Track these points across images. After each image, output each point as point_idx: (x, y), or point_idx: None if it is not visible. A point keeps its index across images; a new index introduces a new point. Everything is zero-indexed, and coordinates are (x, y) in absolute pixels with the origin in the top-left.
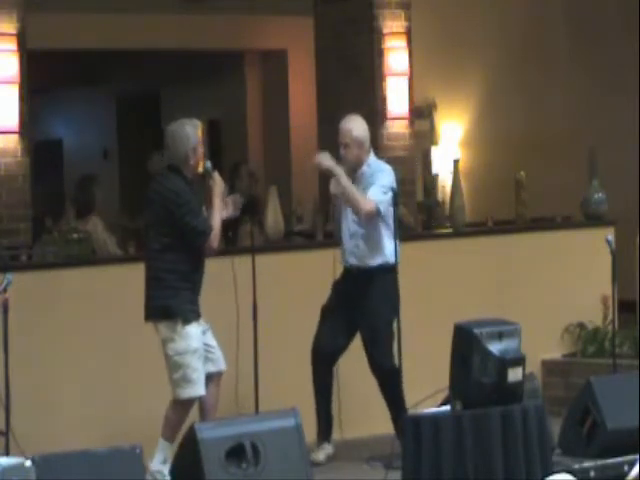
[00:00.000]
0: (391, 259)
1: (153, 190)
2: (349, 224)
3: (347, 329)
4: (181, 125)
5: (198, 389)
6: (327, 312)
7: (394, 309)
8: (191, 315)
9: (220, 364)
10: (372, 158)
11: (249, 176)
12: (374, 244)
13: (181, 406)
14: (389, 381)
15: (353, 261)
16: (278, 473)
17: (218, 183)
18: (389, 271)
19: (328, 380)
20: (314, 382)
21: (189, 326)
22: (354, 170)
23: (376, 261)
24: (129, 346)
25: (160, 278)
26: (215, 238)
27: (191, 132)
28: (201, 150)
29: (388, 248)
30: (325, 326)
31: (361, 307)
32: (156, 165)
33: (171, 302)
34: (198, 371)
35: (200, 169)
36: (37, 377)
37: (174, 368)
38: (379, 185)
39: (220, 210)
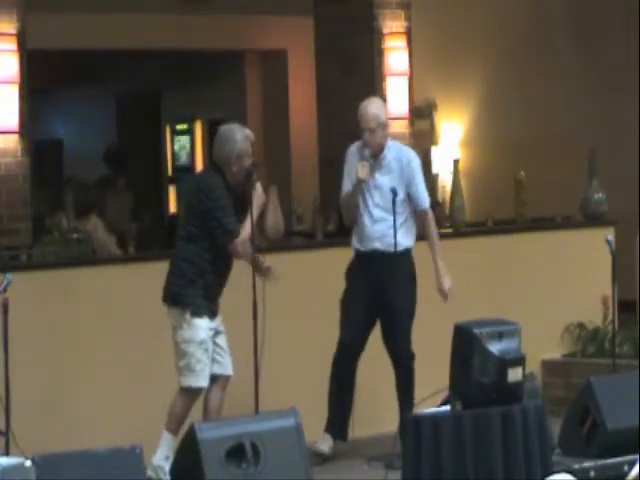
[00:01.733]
0: (413, 244)
1: (191, 182)
2: (372, 210)
3: (370, 317)
4: (231, 129)
5: (200, 380)
6: (348, 304)
7: (416, 293)
8: (202, 309)
9: (227, 369)
10: (390, 141)
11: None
12: (402, 229)
13: (184, 396)
14: (405, 366)
15: (377, 246)
16: (278, 473)
17: (259, 195)
18: (411, 255)
19: (353, 377)
20: (337, 380)
21: (198, 318)
22: (375, 155)
23: (402, 245)
24: (129, 346)
25: (179, 266)
26: (240, 244)
27: (239, 138)
28: (247, 161)
29: (413, 233)
30: (350, 319)
31: (383, 290)
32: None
33: (184, 291)
34: (202, 362)
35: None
36: (37, 377)
37: (180, 355)
38: (421, 180)
39: (254, 220)
